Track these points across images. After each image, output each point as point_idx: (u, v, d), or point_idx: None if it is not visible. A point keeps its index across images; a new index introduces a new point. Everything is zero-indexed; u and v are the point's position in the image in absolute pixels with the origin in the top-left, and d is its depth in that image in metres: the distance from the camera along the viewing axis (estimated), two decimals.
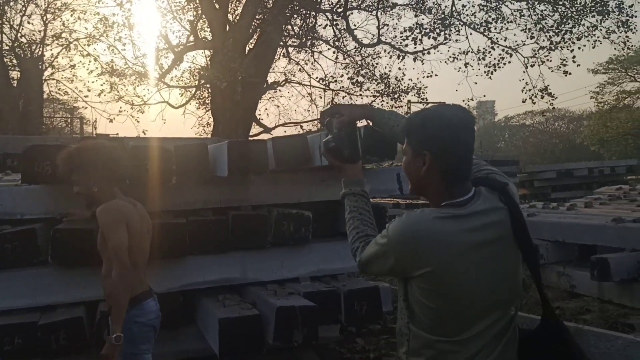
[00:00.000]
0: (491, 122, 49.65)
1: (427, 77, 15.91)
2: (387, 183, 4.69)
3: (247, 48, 14.61)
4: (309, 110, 29.59)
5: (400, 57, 15.58)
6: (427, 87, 19.37)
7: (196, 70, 18.68)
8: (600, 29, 15.92)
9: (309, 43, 17.30)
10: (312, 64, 18.74)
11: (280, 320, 3.69)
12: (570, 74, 16.24)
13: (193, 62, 19.29)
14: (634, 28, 16.11)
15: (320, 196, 4.61)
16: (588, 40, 15.90)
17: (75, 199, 3.25)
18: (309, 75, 18.90)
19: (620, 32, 15.94)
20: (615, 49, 19.12)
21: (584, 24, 15.77)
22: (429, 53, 15.31)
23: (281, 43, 16.56)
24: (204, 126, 20.41)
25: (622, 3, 15.76)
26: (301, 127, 20.09)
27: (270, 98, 19.90)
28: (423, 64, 16.69)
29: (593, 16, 15.74)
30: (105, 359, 2.81)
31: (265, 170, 4.08)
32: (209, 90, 16.40)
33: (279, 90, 18.85)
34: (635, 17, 15.82)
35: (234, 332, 3.69)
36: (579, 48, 15.73)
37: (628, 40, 16.64)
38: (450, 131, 1.65)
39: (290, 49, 17.97)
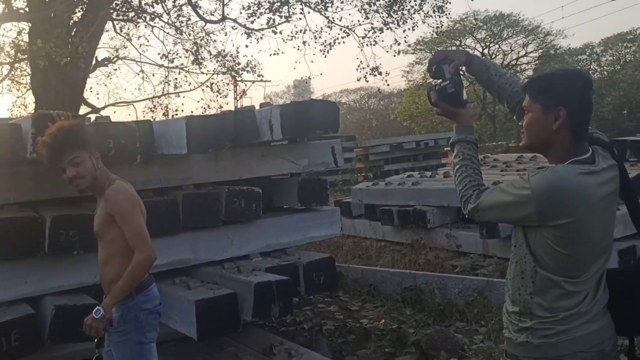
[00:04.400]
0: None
1: (274, 54, 15.93)
2: (324, 156, 4.81)
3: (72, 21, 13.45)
4: (140, 89, 28.07)
5: (246, 35, 15.45)
6: (262, 64, 19.47)
7: (11, 45, 16.78)
8: (419, 13, 17.29)
9: (137, 16, 16.44)
10: (146, 39, 17.91)
11: (258, 296, 3.68)
12: (399, 53, 17.55)
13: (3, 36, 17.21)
14: (448, 13, 17.71)
15: (260, 172, 4.60)
16: (412, 23, 17.16)
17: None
18: (139, 51, 17.91)
19: (436, 17, 17.46)
20: (428, 33, 21.00)
21: (406, 7, 16.95)
22: (275, 32, 15.40)
23: (114, 17, 15.56)
24: (19, 107, 18.44)
25: None
26: (134, 106, 19.12)
27: (98, 76, 18.56)
28: (258, 42, 16.78)
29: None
30: (89, 329, 2.61)
31: (224, 145, 3.98)
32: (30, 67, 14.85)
33: (112, 67, 17.68)
34: (450, 2, 17.44)
35: (211, 313, 3.61)
36: (404, 31, 16.99)
37: (441, 26, 18.38)
38: (584, 89, 1.82)
39: (122, 23, 16.92)
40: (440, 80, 2.07)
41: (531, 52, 34.94)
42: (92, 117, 5.63)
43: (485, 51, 33.44)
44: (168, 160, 4.19)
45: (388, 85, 17.06)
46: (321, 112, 4.25)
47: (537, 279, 1.81)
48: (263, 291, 3.69)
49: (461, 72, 2.11)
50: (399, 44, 16.50)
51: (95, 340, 2.73)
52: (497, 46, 34.53)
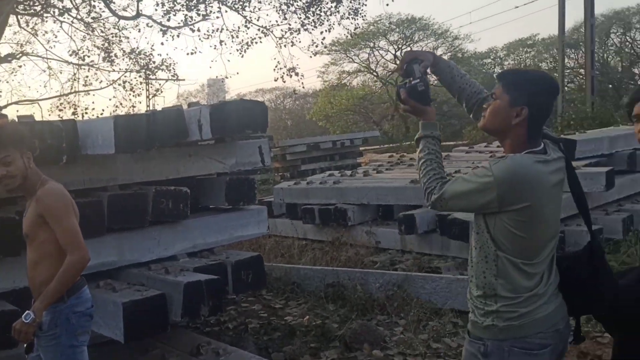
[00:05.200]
0: (223, 99, 50.80)
1: (191, 53, 15.71)
2: (251, 156, 4.87)
3: None
4: (46, 87, 26.76)
5: (162, 32, 15.15)
6: (177, 63, 19.14)
7: None
8: (336, 15, 17.57)
9: (44, 10, 15.71)
10: (54, 35, 17.13)
11: (188, 296, 3.70)
12: (316, 54, 17.79)
13: None
14: (364, 15, 18.11)
15: (187, 172, 4.60)
16: (329, 25, 17.40)
17: None
18: (46, 47, 17.13)
19: (351, 19, 17.80)
20: (344, 35, 21.37)
21: (323, 9, 17.18)
22: (193, 30, 15.19)
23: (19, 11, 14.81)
24: None
25: None
26: (39, 105, 18.27)
27: (1, 72, 17.58)
28: (174, 40, 16.48)
29: (331, 2, 17.16)
30: (18, 334, 2.58)
31: (153, 145, 3.96)
32: None
33: (16, 63, 16.81)
34: (366, 5, 17.84)
35: (139, 314, 3.60)
36: (321, 32, 17.23)
37: (357, 27, 18.81)
38: (549, 95, 2.05)
39: (28, 17, 16.12)
40: (410, 79, 2.21)
41: (440, 55, 36.32)
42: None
43: (398, 53, 34.42)
44: (92, 160, 4.11)
45: (304, 87, 17.23)
46: (250, 111, 4.30)
47: (499, 262, 1.99)
48: (193, 291, 3.71)
49: (427, 73, 2.26)
50: (316, 46, 16.80)
51: (25, 345, 2.68)
52: (409, 48, 35.70)
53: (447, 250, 6.32)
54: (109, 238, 4.09)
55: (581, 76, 23.64)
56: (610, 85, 34.04)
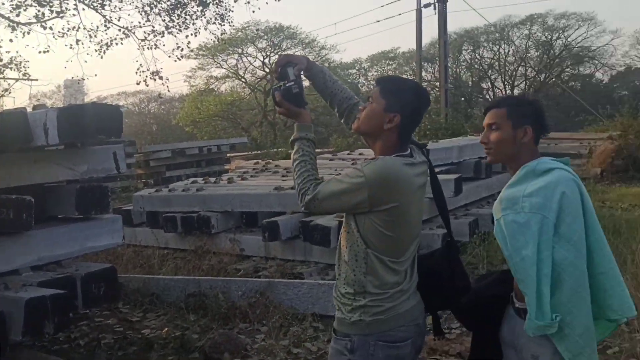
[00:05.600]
0: (82, 102, 47.90)
1: (44, 52, 14.68)
2: (104, 162, 4.62)
3: None
4: None
5: (11, 28, 14.02)
6: (29, 61, 17.91)
7: None
8: (202, 19, 17.29)
9: None
10: None
11: (29, 313, 3.42)
12: (182, 58, 17.36)
13: None
14: (230, 21, 18.00)
15: (32, 179, 4.26)
16: (194, 29, 17.07)
17: None
18: None
19: (218, 24, 17.61)
20: (211, 39, 21.11)
21: (189, 13, 16.83)
22: (45, 27, 14.20)
23: None
24: None
25: None
26: None
27: None
28: (24, 37, 15.35)
29: (197, 6, 16.86)
30: None
31: None
32: None
33: None
34: (232, 11, 17.73)
35: None
36: (186, 36, 16.87)
37: (224, 33, 18.65)
38: (421, 105, 2.14)
39: None
40: (285, 82, 2.20)
41: None
42: None
43: (266, 60, 34.64)
44: None
45: (169, 90, 16.82)
46: (103, 116, 4.08)
47: (369, 259, 2.04)
48: (35, 308, 3.45)
49: (301, 76, 2.27)
50: (181, 50, 16.41)
51: None
52: (277, 56, 35.97)
53: (309, 256, 6.41)
54: None
55: (437, 89, 25.19)
56: (463, 98, 36.76)
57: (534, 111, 2.15)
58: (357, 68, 42.32)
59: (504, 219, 2.00)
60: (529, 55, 37.20)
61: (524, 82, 37.54)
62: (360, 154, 9.33)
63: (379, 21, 44.61)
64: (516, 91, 36.91)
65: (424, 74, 26.58)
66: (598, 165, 13.54)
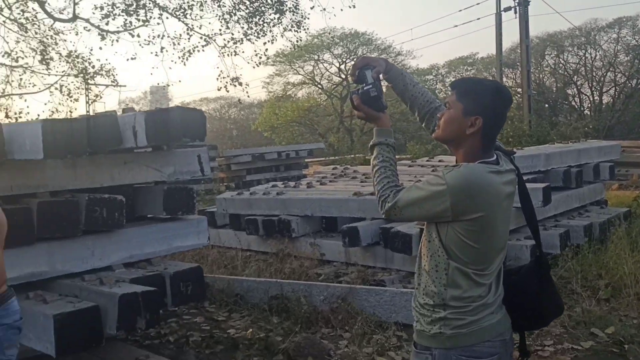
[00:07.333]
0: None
1: (131, 59, 15.31)
2: (189, 164, 4.72)
3: None
4: None
5: (100, 37, 14.71)
6: (117, 68, 18.65)
7: None
8: (279, 27, 17.52)
9: None
10: None
11: (123, 309, 3.52)
12: (260, 65, 17.67)
13: None
14: (307, 28, 18.13)
15: (123, 179, 4.41)
16: (272, 36, 17.31)
17: None
18: None
19: (294, 32, 17.79)
20: (288, 46, 21.40)
21: (266, 20, 17.08)
22: (133, 35, 14.81)
23: None
24: None
25: (297, 4, 17.49)
26: None
27: None
28: (113, 44, 16.05)
29: (274, 13, 17.08)
30: None
31: (83, 151, 3.77)
32: None
33: None
34: (308, 18, 17.87)
35: (72, 327, 3.40)
36: (264, 43, 17.14)
37: (300, 40, 18.81)
38: (502, 106, 2.00)
39: None
40: (363, 85, 2.13)
41: None
42: None
43: (342, 66, 34.75)
44: (20, 165, 3.89)
45: (249, 96, 17.09)
46: (188, 119, 4.17)
47: (450, 271, 1.94)
48: (128, 303, 3.54)
49: (380, 79, 2.19)
50: (259, 57, 16.68)
51: None
52: (352, 62, 36.04)
53: (390, 263, 6.29)
54: (40, 247, 3.87)
55: (519, 95, 24.42)
56: (547, 105, 35.36)
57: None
58: (434, 74, 41.75)
59: None
60: (619, 60, 35.34)
61: (614, 88, 35.68)
62: (440, 161, 9.13)
63: (456, 26, 43.74)
64: (605, 98, 35.22)
65: (504, 79, 25.83)
66: None
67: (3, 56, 16.00)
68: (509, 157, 2.09)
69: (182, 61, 17.08)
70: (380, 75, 2.21)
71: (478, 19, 39.89)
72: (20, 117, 17.11)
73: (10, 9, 15.40)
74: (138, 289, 3.65)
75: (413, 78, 2.32)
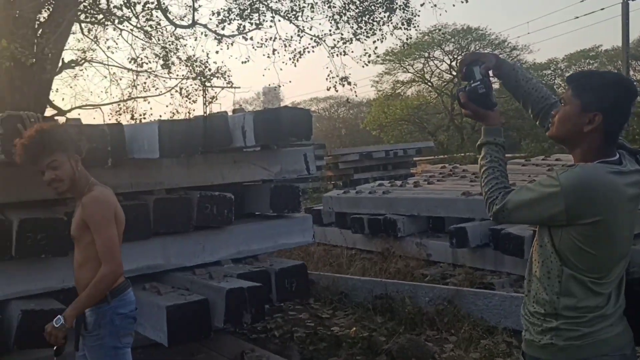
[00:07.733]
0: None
1: (245, 62, 15.84)
2: (296, 163, 4.80)
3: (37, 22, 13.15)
4: (107, 92, 27.60)
5: (217, 41, 15.34)
6: (232, 70, 19.33)
7: None
8: (388, 25, 17.36)
9: (105, 19, 16.16)
10: (114, 42, 17.61)
11: (230, 303, 3.63)
12: (369, 64, 17.66)
13: None
14: (417, 26, 17.82)
15: (232, 178, 4.57)
16: (381, 35, 17.20)
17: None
18: (107, 54, 17.58)
19: (404, 29, 17.55)
20: (397, 44, 21.18)
21: (376, 19, 16.99)
22: (246, 39, 15.32)
23: (82, 19, 15.30)
24: None
25: (407, 2, 17.25)
26: (100, 109, 18.79)
27: (64, 78, 18.17)
28: (228, 48, 16.64)
29: (384, 11, 16.96)
30: (48, 337, 2.56)
31: (196, 150, 3.94)
32: None
33: (79, 69, 17.35)
34: (418, 16, 17.58)
35: (183, 319, 3.56)
36: (373, 42, 17.08)
37: (410, 37, 18.54)
38: (626, 100, 1.83)
39: (90, 25, 16.64)
40: (470, 81, 2.05)
41: None
42: (60, 119, 5.53)
43: (453, 63, 33.90)
44: (138, 164, 4.13)
45: (357, 95, 17.12)
46: (294, 119, 4.24)
47: (564, 278, 1.81)
48: (235, 297, 3.65)
49: (490, 76, 2.10)
50: (369, 56, 16.65)
51: (55, 348, 2.66)
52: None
53: (500, 266, 6.06)
54: (155, 241, 4.09)
55: None
56: None
57: None
58: (552, 69, 39.65)
59: None
60: None
61: None
62: (557, 160, 8.65)
63: (577, 17, 41.11)
64: None
65: (631, 72, 24.07)
66: None
67: (130, 62, 17.12)
68: (635, 157, 1.91)
69: (292, 62, 17.46)
70: (490, 72, 2.10)
71: (602, 9, 37.63)
72: (144, 118, 18.26)
73: (137, 17, 16.49)
74: (244, 284, 3.76)
75: (527, 73, 2.18)
